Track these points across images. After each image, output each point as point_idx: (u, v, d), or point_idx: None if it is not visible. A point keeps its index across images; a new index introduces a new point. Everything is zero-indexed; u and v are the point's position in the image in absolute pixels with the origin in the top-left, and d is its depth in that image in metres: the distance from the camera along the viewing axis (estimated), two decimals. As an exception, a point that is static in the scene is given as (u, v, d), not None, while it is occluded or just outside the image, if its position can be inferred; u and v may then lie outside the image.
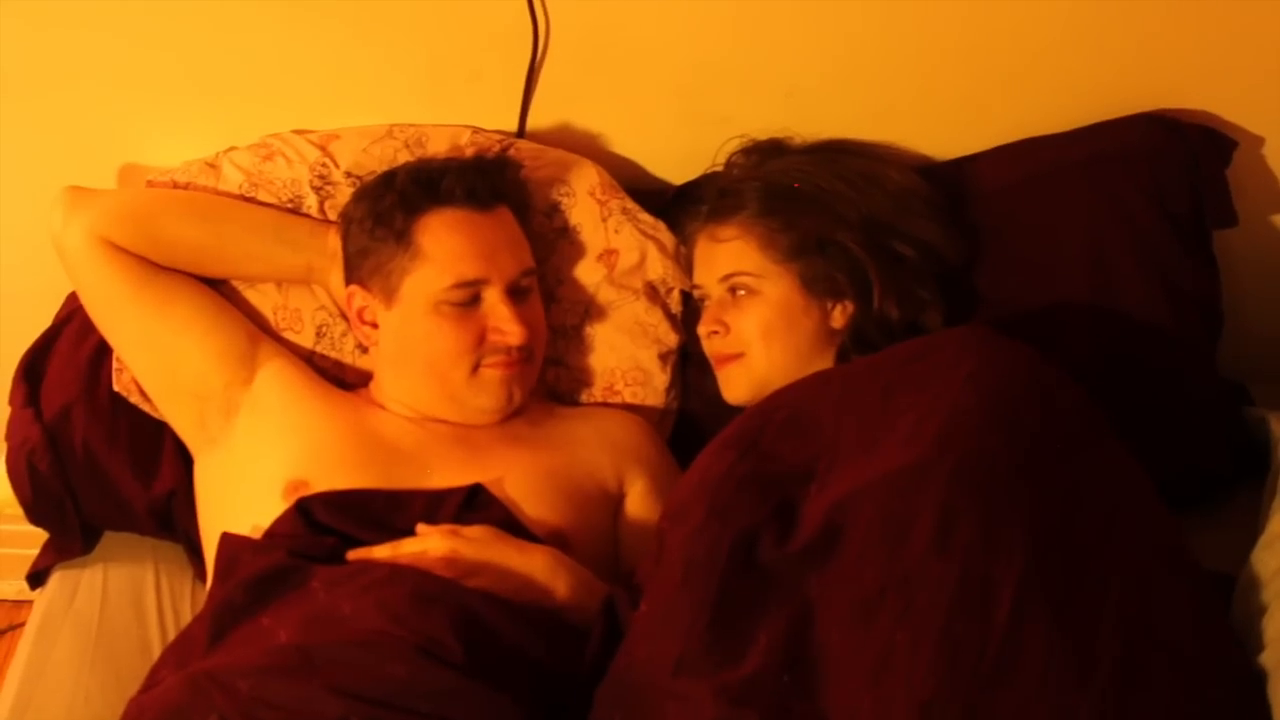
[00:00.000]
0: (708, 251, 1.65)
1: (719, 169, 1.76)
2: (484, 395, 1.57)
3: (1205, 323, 1.75)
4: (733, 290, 1.61)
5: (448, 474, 1.51)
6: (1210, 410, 1.72)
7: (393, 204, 1.55)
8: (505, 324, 1.54)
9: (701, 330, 1.66)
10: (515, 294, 1.57)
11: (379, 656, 1.26)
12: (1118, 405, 1.45)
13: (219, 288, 1.65)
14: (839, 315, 1.59)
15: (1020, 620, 1.17)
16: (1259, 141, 1.80)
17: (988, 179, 1.78)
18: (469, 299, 1.54)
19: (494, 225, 1.57)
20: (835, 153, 1.71)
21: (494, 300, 1.54)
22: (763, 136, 1.73)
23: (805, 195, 1.61)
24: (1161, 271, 1.71)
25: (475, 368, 1.56)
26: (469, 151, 1.70)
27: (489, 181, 1.58)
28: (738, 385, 1.61)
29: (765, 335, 1.58)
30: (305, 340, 1.69)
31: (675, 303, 1.77)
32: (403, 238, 1.54)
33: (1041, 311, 1.70)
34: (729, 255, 1.61)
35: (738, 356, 1.60)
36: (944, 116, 1.80)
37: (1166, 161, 1.73)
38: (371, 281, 1.57)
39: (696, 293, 1.69)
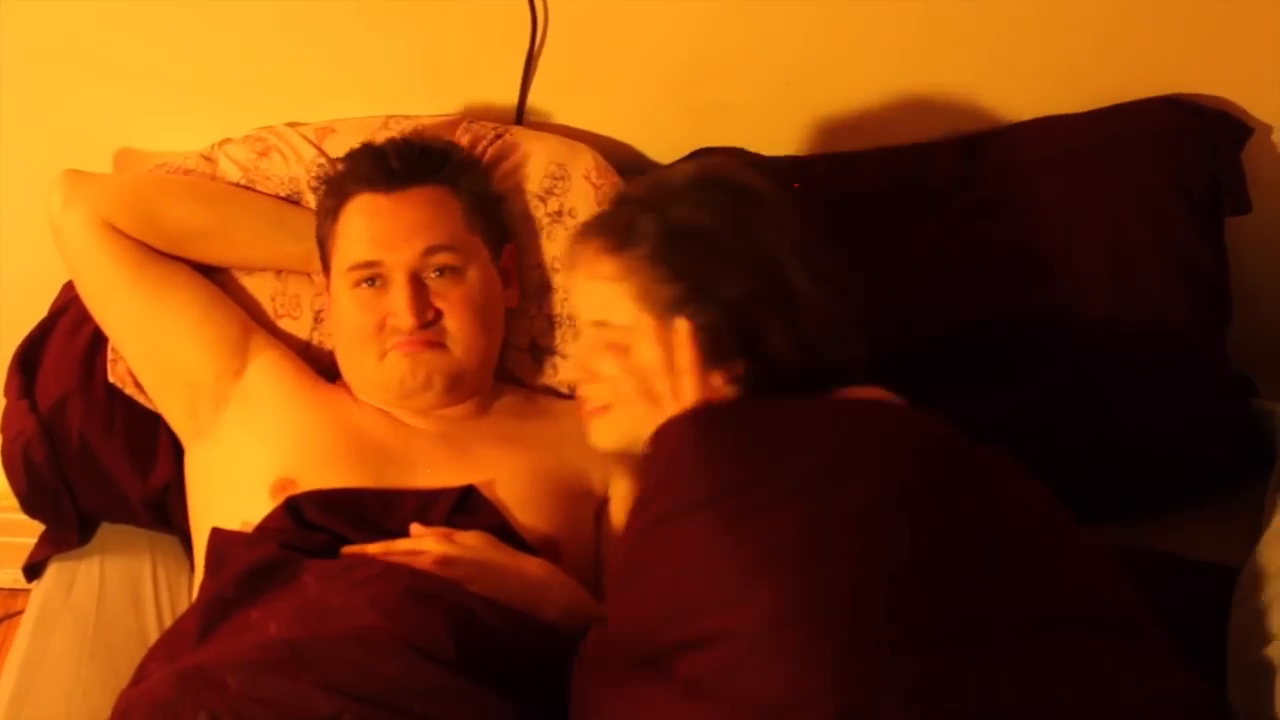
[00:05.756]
0: (585, 286, 1.42)
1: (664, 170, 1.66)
2: (393, 379, 1.54)
3: (1216, 310, 1.74)
4: (604, 337, 1.39)
5: (436, 474, 1.50)
6: (1220, 398, 1.71)
7: (330, 186, 1.58)
8: (396, 307, 1.51)
9: (567, 377, 1.62)
10: (418, 279, 1.52)
11: (370, 653, 1.25)
12: (1128, 391, 1.43)
13: (216, 275, 1.64)
14: (720, 380, 1.34)
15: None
16: (1268, 129, 1.79)
17: (1008, 153, 1.76)
18: (372, 280, 1.53)
19: (400, 208, 1.54)
20: (742, 194, 1.43)
21: (396, 284, 1.52)
22: (761, 124, 1.71)
23: (702, 241, 1.37)
24: (1179, 254, 1.71)
25: (383, 351, 1.54)
26: (464, 140, 1.69)
27: (405, 164, 1.56)
28: (605, 438, 1.41)
29: (639, 394, 1.35)
30: (303, 326, 1.68)
31: (673, 291, 1.75)
32: (330, 217, 1.56)
33: (1059, 290, 1.70)
34: (604, 299, 1.39)
35: (603, 409, 1.40)
36: (948, 106, 1.78)
37: (1186, 144, 1.73)
38: (323, 258, 1.60)
39: (576, 322, 1.56)
